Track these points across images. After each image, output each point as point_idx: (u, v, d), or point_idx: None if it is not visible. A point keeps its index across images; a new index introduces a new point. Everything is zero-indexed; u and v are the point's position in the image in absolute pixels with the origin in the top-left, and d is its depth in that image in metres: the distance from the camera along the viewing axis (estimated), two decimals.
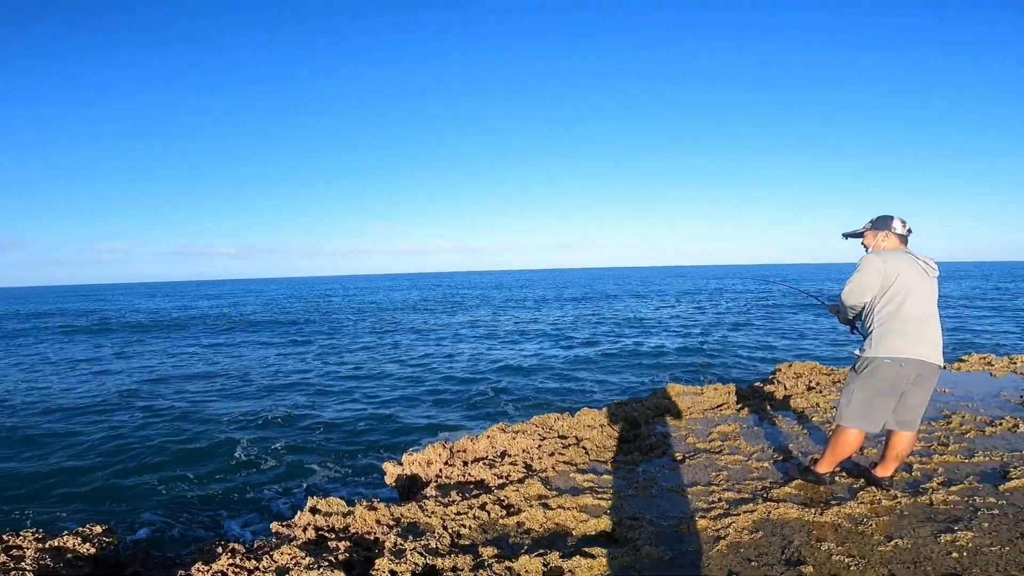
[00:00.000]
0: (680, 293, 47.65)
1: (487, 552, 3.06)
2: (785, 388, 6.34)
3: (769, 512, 3.02)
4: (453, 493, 4.00)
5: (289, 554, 3.23)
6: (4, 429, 9.39)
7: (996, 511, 2.72)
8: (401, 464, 5.05)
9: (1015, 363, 7.12)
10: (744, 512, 3.06)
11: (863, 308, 3.09)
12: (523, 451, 4.88)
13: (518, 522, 3.43)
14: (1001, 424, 4.42)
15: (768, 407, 5.64)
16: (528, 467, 4.48)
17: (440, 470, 4.86)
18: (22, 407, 10.94)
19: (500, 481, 4.24)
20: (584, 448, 4.65)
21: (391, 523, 3.65)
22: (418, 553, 3.12)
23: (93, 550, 3.49)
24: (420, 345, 18.36)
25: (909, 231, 3.20)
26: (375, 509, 3.80)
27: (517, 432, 5.34)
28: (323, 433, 8.55)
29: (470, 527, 3.44)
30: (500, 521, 3.46)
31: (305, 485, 6.58)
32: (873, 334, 3.00)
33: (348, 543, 3.45)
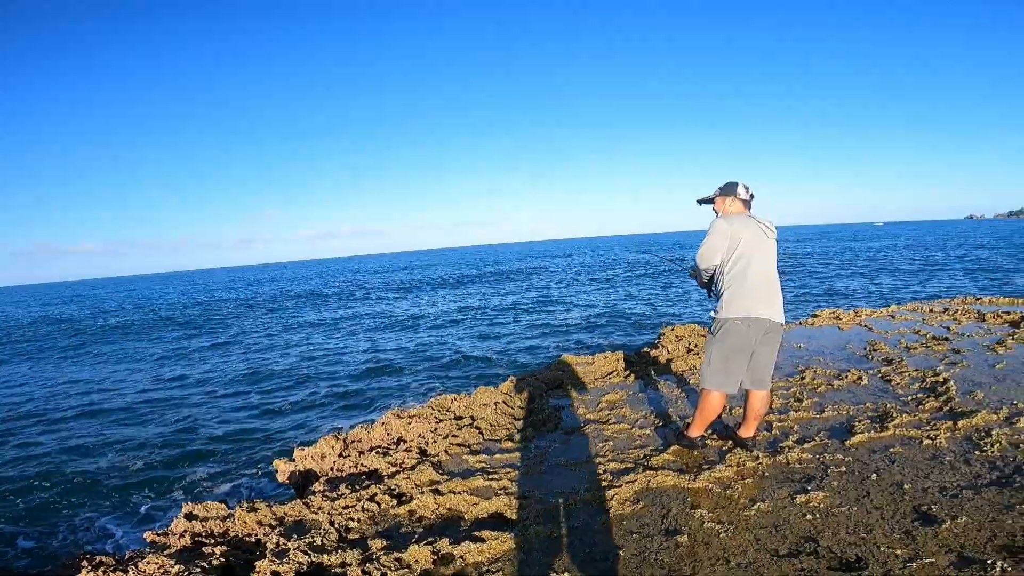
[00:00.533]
0: (577, 266, 49.27)
1: (376, 544, 2.98)
2: (668, 352, 6.71)
3: (649, 481, 3.18)
4: (343, 486, 3.84)
5: (157, 564, 2.97)
6: None
7: (843, 468, 3.04)
8: (293, 460, 4.79)
9: (860, 316, 8.03)
10: (626, 483, 3.20)
11: (714, 271, 3.32)
12: (418, 436, 4.80)
13: (410, 511, 3.36)
14: (847, 377, 4.96)
15: (652, 372, 5.94)
16: (423, 452, 4.42)
17: (334, 463, 4.67)
18: None
19: (393, 469, 4.15)
20: (478, 428, 4.65)
21: (274, 523, 3.46)
22: (302, 552, 2.98)
23: None
24: (315, 337, 17.58)
25: (752, 196, 3.42)
26: (256, 510, 3.58)
27: (413, 417, 5.24)
28: (211, 437, 7.97)
29: (359, 520, 3.33)
30: (391, 511, 3.38)
31: (194, 491, 6.09)
32: (724, 296, 3.21)
33: (225, 547, 3.23)
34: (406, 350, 13.24)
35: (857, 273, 24.90)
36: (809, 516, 2.55)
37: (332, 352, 14.06)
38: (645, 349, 7.18)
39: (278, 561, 2.91)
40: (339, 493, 3.72)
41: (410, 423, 5.03)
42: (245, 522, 3.48)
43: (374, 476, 4.18)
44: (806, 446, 3.42)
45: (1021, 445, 3.04)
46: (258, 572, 2.86)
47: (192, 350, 16.13)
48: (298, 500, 3.65)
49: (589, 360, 6.52)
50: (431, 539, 2.93)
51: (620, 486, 3.18)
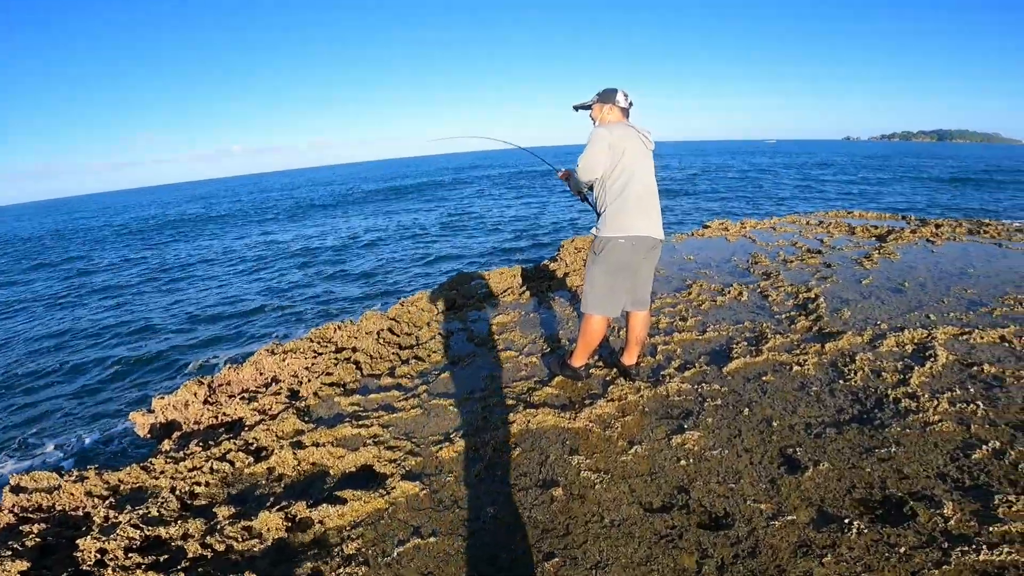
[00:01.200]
0: (489, 179, 47.95)
1: (224, 512, 2.64)
2: (566, 264, 6.57)
3: (529, 421, 3.02)
4: (194, 443, 3.41)
5: None
6: None
7: (719, 401, 3.02)
8: (152, 411, 4.20)
9: (745, 228, 8.30)
10: (504, 424, 3.02)
11: (593, 184, 3.08)
12: (293, 375, 4.38)
13: (268, 468, 3.02)
14: (730, 292, 5.05)
15: (548, 288, 5.79)
16: (293, 395, 4.03)
17: (198, 411, 4.15)
18: None
19: (258, 417, 3.74)
20: (357, 363, 4.29)
21: (105, 493, 3.00)
22: (133, 525, 2.59)
23: None
24: (189, 264, 15.83)
25: (631, 104, 3.15)
26: (84, 479, 3.09)
27: (288, 352, 4.78)
28: (66, 389, 6.92)
29: (208, 483, 2.95)
30: (246, 471, 3.02)
31: (38, 454, 5.31)
32: (606, 213, 2.99)
33: (45, 525, 2.76)
34: (303, 275, 12.29)
35: (747, 189, 25.95)
36: (683, 462, 2.49)
37: (215, 284, 12.82)
38: (545, 262, 7.00)
39: (104, 538, 2.51)
40: (188, 452, 3.29)
41: (284, 360, 4.58)
42: (72, 494, 2.99)
43: (238, 426, 3.76)
44: (686, 374, 3.39)
45: (883, 373, 3.15)
46: (82, 551, 2.46)
47: (42, 294, 14.06)
48: (135, 465, 3.18)
49: (485, 276, 6.25)
50: (286, 502, 2.62)
51: (498, 427, 3.00)
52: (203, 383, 4.40)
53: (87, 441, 5.30)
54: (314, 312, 9.15)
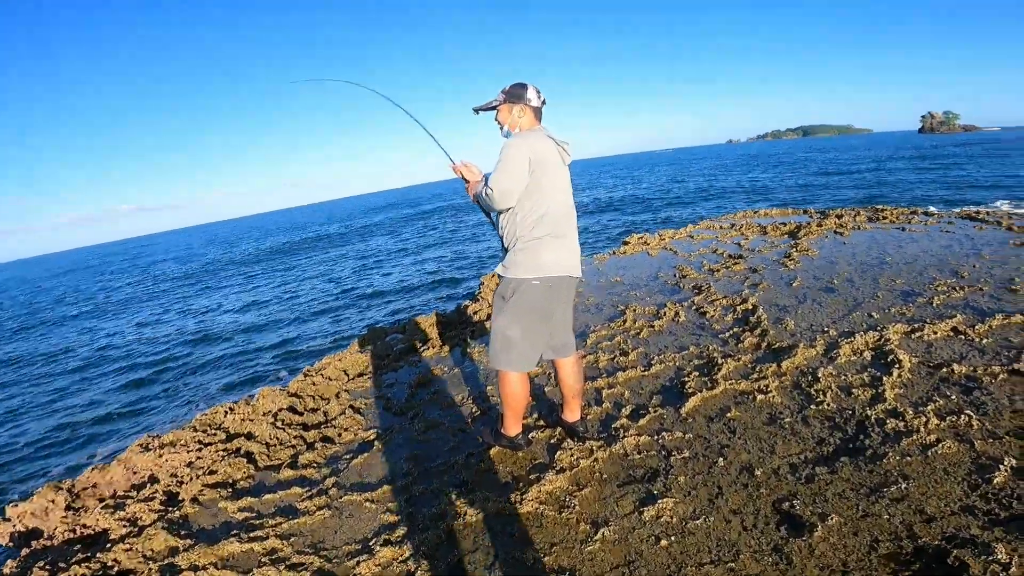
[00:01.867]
0: (386, 225, 47.04)
1: None
2: (488, 304, 6.05)
3: (465, 513, 2.42)
4: (38, 567, 2.53)
5: None
6: None
7: (686, 452, 2.56)
8: (8, 520, 3.29)
9: (664, 240, 8.18)
10: (435, 521, 2.41)
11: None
12: (171, 474, 3.54)
13: None
14: (666, 314, 4.71)
15: (471, 334, 5.23)
16: (171, 498, 3.21)
17: (62, 518, 3.28)
18: None
19: (126, 529, 2.92)
20: (250, 453, 3.52)
21: None
22: None
23: None
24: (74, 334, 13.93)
25: (544, 102, 2.61)
26: None
27: (167, 445, 3.93)
28: None
29: None
30: None
31: None
32: (517, 247, 2.46)
33: None
34: (200, 341, 10.93)
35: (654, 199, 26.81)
36: (663, 541, 1.99)
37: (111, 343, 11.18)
38: (465, 303, 6.45)
39: None
40: None
41: (161, 456, 3.73)
42: None
43: (100, 541, 2.91)
44: (641, 422, 2.93)
45: (852, 390, 2.84)
46: None
47: None
48: None
49: (399, 330, 5.61)
50: None
51: (428, 526, 2.39)
52: (61, 487, 3.56)
53: None
54: (206, 392, 8.01)
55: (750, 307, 4.53)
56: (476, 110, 2.65)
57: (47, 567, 2.60)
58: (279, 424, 3.89)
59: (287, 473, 3.22)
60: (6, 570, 2.74)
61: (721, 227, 8.64)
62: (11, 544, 3.21)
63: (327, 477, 3.08)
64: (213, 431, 4.07)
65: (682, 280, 5.79)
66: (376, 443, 3.37)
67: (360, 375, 4.67)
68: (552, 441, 2.92)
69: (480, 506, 2.44)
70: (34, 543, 3.02)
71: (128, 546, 2.65)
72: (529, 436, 2.96)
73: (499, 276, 2.55)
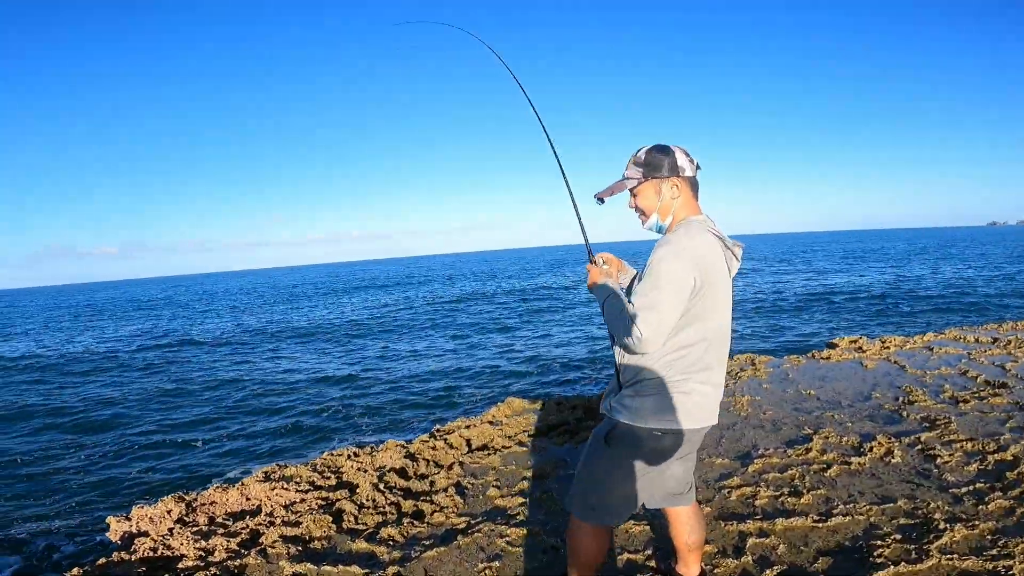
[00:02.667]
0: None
1: None
2: None
3: None
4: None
5: None
6: None
7: None
8: (129, 519, 3.64)
9: (888, 348, 6.50)
10: None
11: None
12: (268, 512, 3.55)
13: None
14: (873, 450, 3.51)
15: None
16: (254, 537, 3.15)
17: (169, 528, 3.51)
18: None
19: (194, 563, 2.91)
20: (341, 512, 3.33)
21: None
22: None
23: None
24: (287, 353, 16.26)
25: (698, 168, 1.87)
26: None
27: (284, 479, 4.00)
28: (95, 475, 6.60)
29: None
30: None
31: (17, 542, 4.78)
32: (646, 390, 1.75)
33: None
34: (369, 378, 11.78)
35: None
36: None
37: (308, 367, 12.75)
38: None
39: None
40: None
41: (274, 488, 3.79)
42: None
43: (172, 564, 2.94)
44: None
45: None
46: None
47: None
48: None
49: (537, 405, 5.16)
50: None
51: None
52: (182, 500, 3.84)
53: (64, 544, 4.74)
54: (380, 420, 8.35)
55: (1009, 458, 3.15)
56: (600, 198, 1.90)
57: None
58: (382, 485, 3.68)
59: (360, 545, 2.93)
60: (74, 572, 2.82)
61: (978, 340, 6.62)
62: (118, 541, 3.43)
63: (392, 564, 2.70)
64: (329, 474, 4.04)
65: (906, 407, 4.39)
66: (459, 537, 2.91)
67: (482, 448, 4.30)
68: None
69: None
70: (133, 545, 3.16)
71: None
72: None
73: (607, 415, 1.85)
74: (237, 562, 2.75)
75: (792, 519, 2.69)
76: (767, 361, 6.15)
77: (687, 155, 1.82)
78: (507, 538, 2.84)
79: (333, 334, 18.10)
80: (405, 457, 4.12)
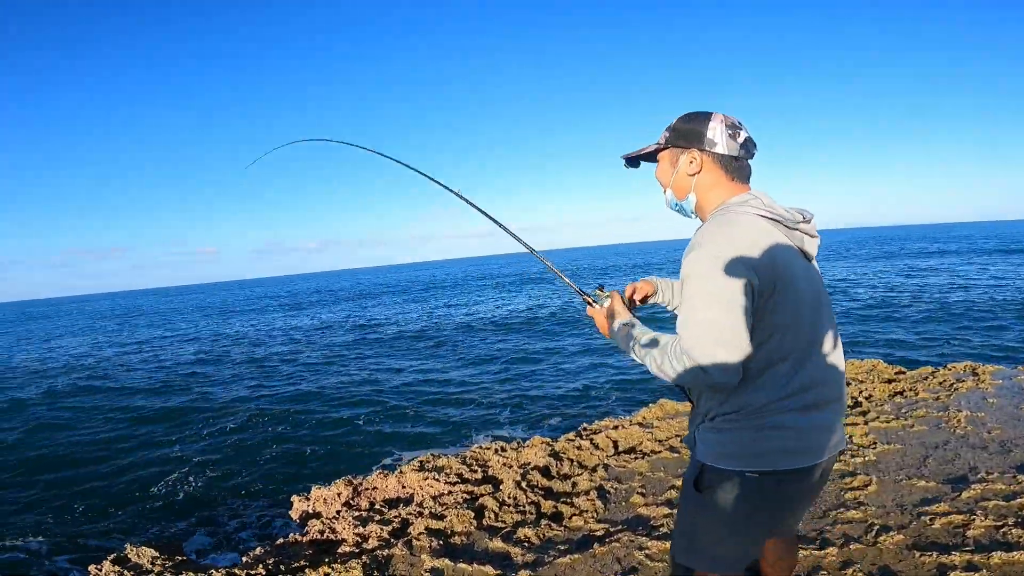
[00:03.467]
0: None
1: None
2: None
3: None
4: (270, 560, 2.91)
5: None
6: None
7: None
8: (308, 499, 4.14)
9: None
10: None
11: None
12: (419, 502, 3.75)
13: None
14: None
15: None
16: (404, 527, 3.32)
17: (337, 511, 3.92)
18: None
19: (351, 548, 3.16)
20: (483, 508, 3.36)
21: None
22: None
23: None
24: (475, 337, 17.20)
25: (748, 146, 1.41)
26: (147, 574, 2.82)
27: (435, 469, 4.20)
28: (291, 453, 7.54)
29: None
30: None
31: (214, 518, 5.61)
32: (730, 425, 1.35)
33: None
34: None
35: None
36: None
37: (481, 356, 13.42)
38: None
39: None
40: (249, 573, 2.79)
41: (426, 479, 4.00)
42: None
43: (332, 548, 3.22)
44: None
45: None
46: None
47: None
48: (190, 574, 2.80)
49: (670, 412, 4.75)
50: None
51: None
52: (351, 484, 4.23)
53: (244, 515, 5.46)
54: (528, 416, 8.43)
55: None
56: (627, 160, 1.56)
57: (269, 566, 2.93)
58: (524, 483, 3.65)
59: (496, 544, 2.91)
60: (247, 558, 3.16)
61: None
62: (297, 520, 3.85)
63: (524, 567, 2.64)
64: (476, 467, 4.14)
65: None
66: (596, 545, 2.74)
67: (629, 452, 4.06)
68: None
69: None
70: (307, 527, 3.53)
71: (329, 572, 2.75)
72: None
73: (700, 455, 1.43)
74: (385, 552, 2.91)
75: (1014, 553, 2.07)
76: (994, 371, 4.94)
77: (732, 129, 1.39)
78: (647, 551, 2.61)
79: (488, 326, 18.76)
80: (549, 455, 4.05)
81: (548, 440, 4.41)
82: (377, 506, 3.86)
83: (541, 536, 2.97)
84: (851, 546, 2.43)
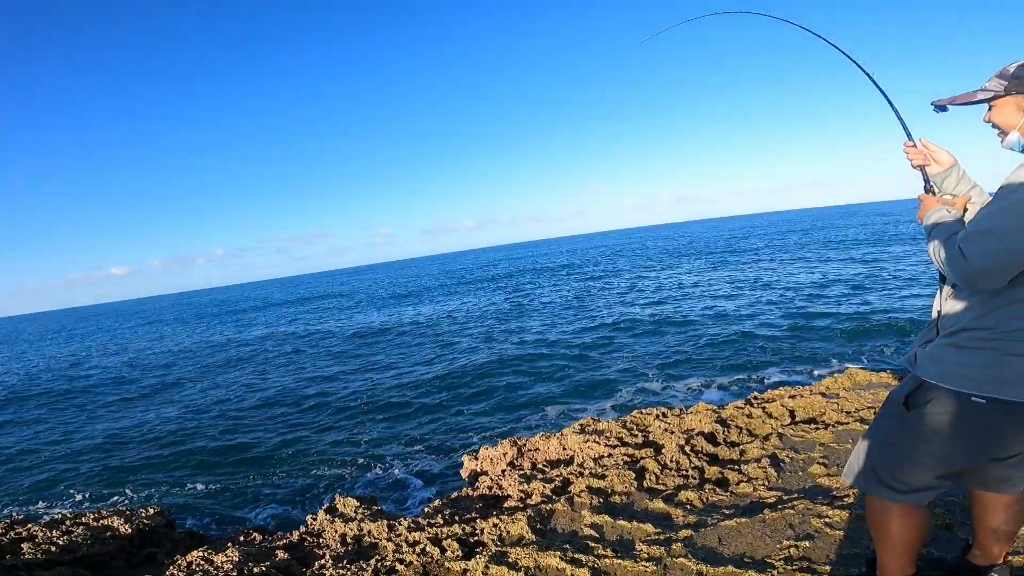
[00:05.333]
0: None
1: None
2: None
3: None
4: (443, 514, 3.24)
5: (226, 558, 2.97)
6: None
7: None
8: (477, 459, 4.55)
9: None
10: None
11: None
12: (579, 463, 3.87)
13: (464, 569, 2.56)
14: None
15: None
16: (565, 485, 3.45)
17: (503, 470, 4.23)
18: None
19: (516, 503, 3.37)
20: (643, 470, 3.35)
21: (352, 540, 3.12)
22: None
23: (131, 530, 3.76)
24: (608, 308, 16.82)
25: None
26: (350, 521, 3.32)
27: (596, 432, 4.29)
28: (452, 419, 8.11)
29: (410, 564, 2.69)
30: (446, 564, 2.65)
31: (392, 472, 6.28)
32: (972, 343, 1.38)
33: (286, 555, 3.03)
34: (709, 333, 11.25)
35: None
36: None
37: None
38: None
39: None
40: (433, 521, 3.14)
41: (586, 441, 4.10)
42: (336, 530, 3.27)
43: (499, 503, 3.46)
44: None
45: None
46: None
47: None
48: (383, 520, 3.22)
49: (886, 380, 4.17)
50: None
51: None
52: (516, 445, 4.46)
53: (425, 472, 6.01)
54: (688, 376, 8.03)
55: None
56: (939, 105, 1.60)
57: (447, 515, 3.22)
58: (688, 448, 3.55)
59: (657, 504, 2.90)
60: (434, 504, 3.51)
61: None
62: (467, 477, 4.17)
63: (685, 527, 2.59)
64: (636, 432, 4.12)
65: None
66: (766, 511, 2.59)
67: (809, 422, 3.72)
68: None
69: None
70: (477, 482, 3.82)
71: (498, 523, 2.95)
72: None
73: (911, 369, 1.52)
74: (548, 506, 3.05)
75: None
76: None
77: None
78: (826, 519, 2.41)
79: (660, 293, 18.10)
80: (716, 422, 3.88)
81: (714, 407, 4.22)
82: (539, 465, 4.05)
83: (704, 500, 2.89)
84: None
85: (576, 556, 2.43)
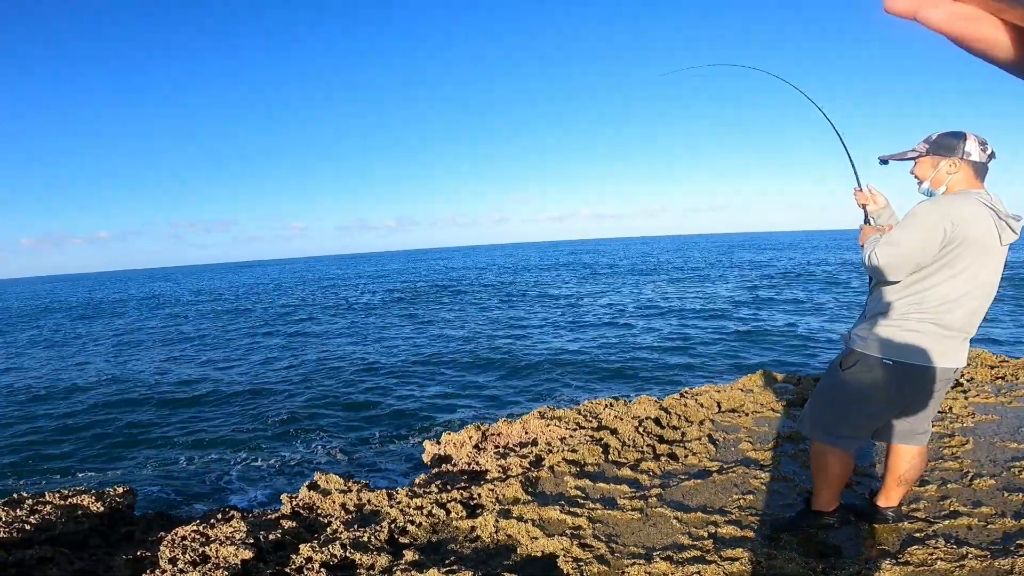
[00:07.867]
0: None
1: (409, 557, 2.66)
2: None
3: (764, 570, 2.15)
4: (435, 484, 3.61)
5: (233, 528, 3.13)
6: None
7: None
8: (439, 444, 4.84)
9: None
10: (721, 560, 2.22)
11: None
12: (546, 443, 4.33)
13: (472, 526, 2.96)
14: None
15: None
16: (537, 461, 3.93)
17: (468, 453, 4.58)
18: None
19: (499, 474, 3.77)
20: (607, 445, 3.93)
21: (353, 509, 3.40)
22: (341, 545, 2.84)
23: (103, 508, 3.74)
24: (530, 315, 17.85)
25: (991, 157, 1.99)
26: (347, 492, 3.58)
27: (554, 419, 4.79)
28: (394, 414, 8.38)
29: (420, 524, 3.04)
30: (454, 523, 3.02)
31: (356, 460, 6.51)
32: (883, 324, 2.02)
33: (293, 523, 3.26)
34: (608, 342, 12.38)
35: None
36: None
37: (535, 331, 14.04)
38: None
39: (318, 549, 2.80)
40: (427, 490, 3.50)
41: (548, 425, 4.60)
42: (333, 501, 3.51)
43: (480, 477, 3.87)
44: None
45: None
46: (299, 553, 2.81)
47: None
48: (383, 490, 3.53)
49: (792, 380, 5.10)
50: (454, 567, 2.47)
51: (711, 563, 2.23)
52: (480, 430, 4.79)
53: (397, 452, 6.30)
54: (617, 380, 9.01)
55: None
56: (883, 160, 2.15)
57: (439, 485, 3.60)
58: (640, 430, 4.18)
59: (625, 472, 3.47)
60: (419, 480, 3.88)
61: None
62: (428, 463, 4.52)
63: (654, 487, 3.18)
64: (590, 418, 4.69)
65: None
66: (714, 475, 3.25)
67: (732, 411, 4.49)
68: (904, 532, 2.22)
69: (783, 570, 2.12)
70: (444, 466, 4.20)
71: (492, 488, 3.39)
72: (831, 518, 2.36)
73: (844, 340, 2.18)
74: (533, 473, 3.53)
75: None
76: None
77: (981, 144, 1.99)
78: (761, 479, 3.09)
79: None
80: (660, 410, 4.55)
81: (655, 399, 4.91)
82: (506, 448, 4.50)
83: (662, 469, 3.50)
84: (948, 486, 2.81)
85: (572, 509, 2.93)
